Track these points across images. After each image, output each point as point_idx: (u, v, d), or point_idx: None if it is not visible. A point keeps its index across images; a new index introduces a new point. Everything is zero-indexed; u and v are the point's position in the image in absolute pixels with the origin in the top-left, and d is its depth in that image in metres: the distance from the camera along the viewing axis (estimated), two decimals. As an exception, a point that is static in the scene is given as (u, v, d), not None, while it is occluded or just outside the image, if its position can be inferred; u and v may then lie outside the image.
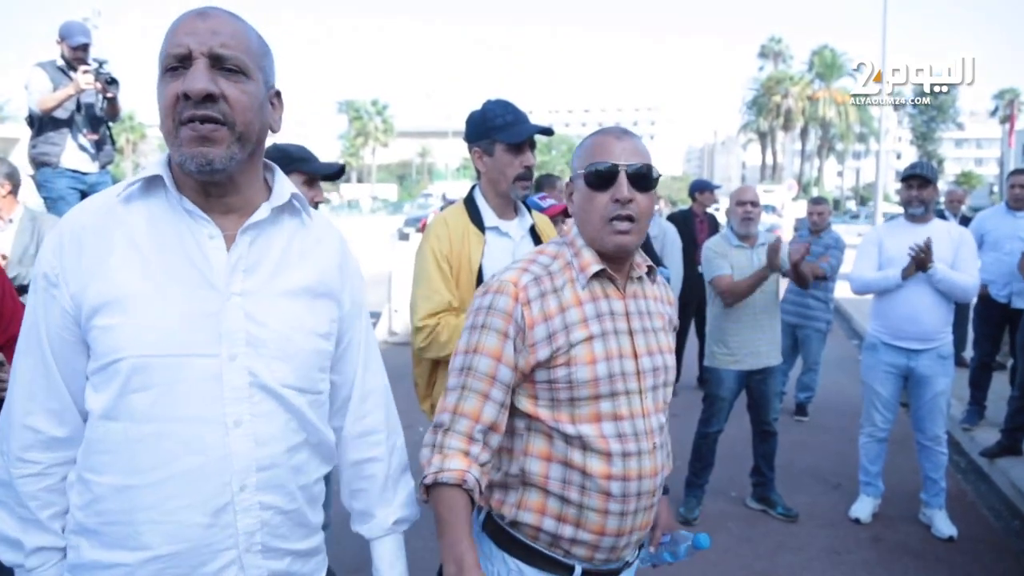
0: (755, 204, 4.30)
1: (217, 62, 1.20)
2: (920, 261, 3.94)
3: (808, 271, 4.40)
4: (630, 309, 1.66)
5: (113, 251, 1.24)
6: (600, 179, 1.59)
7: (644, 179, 1.60)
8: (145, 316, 1.21)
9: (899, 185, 4.33)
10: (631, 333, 1.63)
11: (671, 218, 7.06)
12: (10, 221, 3.92)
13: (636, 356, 1.62)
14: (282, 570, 1.35)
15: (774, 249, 4.00)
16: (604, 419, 1.57)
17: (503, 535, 1.66)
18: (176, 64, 1.20)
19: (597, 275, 1.62)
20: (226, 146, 1.22)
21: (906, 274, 4.03)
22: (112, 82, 4.97)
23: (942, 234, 4.11)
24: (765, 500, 4.53)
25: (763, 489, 4.54)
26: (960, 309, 7.48)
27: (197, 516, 1.23)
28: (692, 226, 6.97)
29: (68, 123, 5.04)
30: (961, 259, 4.08)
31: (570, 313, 1.58)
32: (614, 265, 1.65)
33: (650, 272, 1.74)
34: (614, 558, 1.64)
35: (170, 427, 1.22)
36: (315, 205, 2.75)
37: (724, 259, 4.30)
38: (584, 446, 1.56)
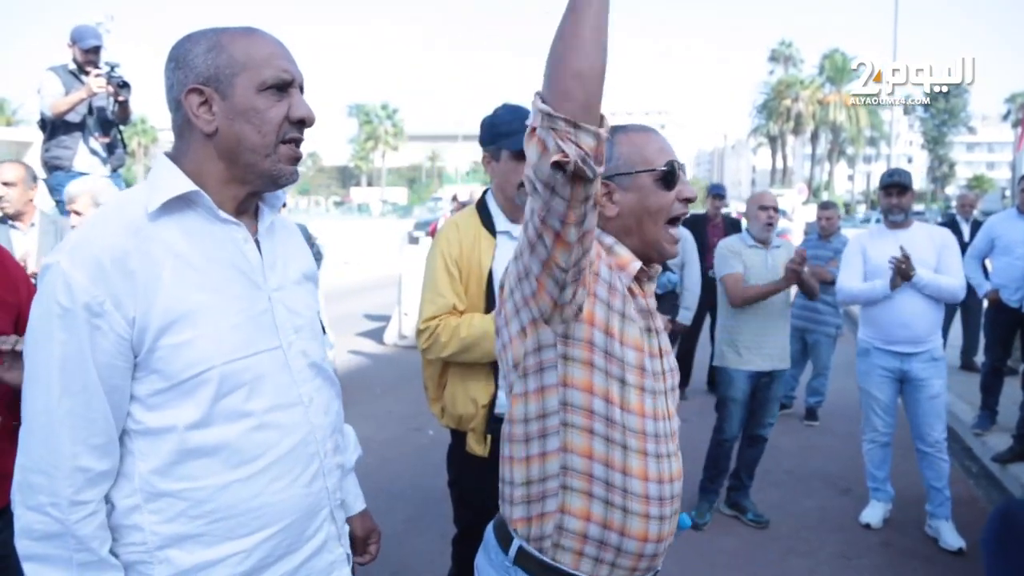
0: (776, 210, 4.44)
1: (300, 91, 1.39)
2: (902, 272, 3.93)
3: (814, 277, 4.51)
4: (651, 307, 1.62)
5: (162, 268, 1.26)
6: (671, 178, 1.56)
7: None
8: (216, 325, 1.30)
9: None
10: (656, 332, 1.59)
11: (684, 222, 7.03)
12: (32, 225, 3.99)
13: (661, 355, 1.58)
14: (342, 516, 1.59)
15: (793, 274, 4.14)
16: (647, 416, 1.50)
17: (541, 567, 1.50)
18: (280, 85, 1.33)
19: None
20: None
21: (893, 285, 4.01)
22: (124, 86, 4.98)
23: (923, 238, 4.10)
24: (737, 506, 4.52)
25: (737, 494, 4.54)
26: (972, 314, 7.45)
27: (300, 488, 1.41)
28: (704, 230, 6.95)
29: (80, 127, 5.07)
30: (945, 262, 4.07)
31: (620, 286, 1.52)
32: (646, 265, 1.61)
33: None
34: (655, 565, 1.57)
35: (266, 418, 1.36)
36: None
37: (737, 258, 4.37)
38: (624, 444, 1.47)
